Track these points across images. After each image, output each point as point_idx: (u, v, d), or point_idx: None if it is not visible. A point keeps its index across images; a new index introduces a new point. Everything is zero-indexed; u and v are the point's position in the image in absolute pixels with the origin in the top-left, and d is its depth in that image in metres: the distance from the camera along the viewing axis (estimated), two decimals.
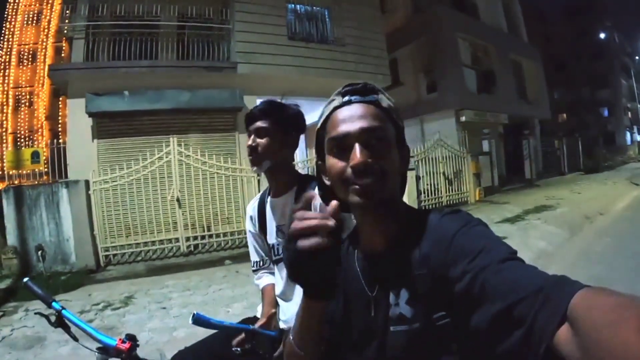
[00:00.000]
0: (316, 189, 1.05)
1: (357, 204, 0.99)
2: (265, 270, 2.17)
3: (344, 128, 0.99)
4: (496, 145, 20.76)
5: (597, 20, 51.33)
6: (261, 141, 1.87)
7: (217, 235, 9.62)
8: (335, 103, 1.05)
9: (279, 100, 1.99)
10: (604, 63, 51.31)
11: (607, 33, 51.95)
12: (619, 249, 7.25)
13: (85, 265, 8.25)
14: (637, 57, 61.40)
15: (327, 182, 1.08)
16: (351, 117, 1.00)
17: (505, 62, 22.53)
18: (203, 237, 9.55)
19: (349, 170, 0.97)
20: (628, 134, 56.02)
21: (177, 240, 9.28)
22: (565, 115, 52.27)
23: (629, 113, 58.16)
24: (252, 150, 1.88)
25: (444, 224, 0.97)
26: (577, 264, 6.55)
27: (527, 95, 24.79)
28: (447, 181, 13.97)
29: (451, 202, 13.94)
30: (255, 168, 1.93)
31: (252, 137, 1.89)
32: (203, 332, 4.62)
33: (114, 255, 8.84)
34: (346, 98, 1.04)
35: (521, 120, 23.10)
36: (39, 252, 7.88)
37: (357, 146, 0.96)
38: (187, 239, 9.35)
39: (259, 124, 1.88)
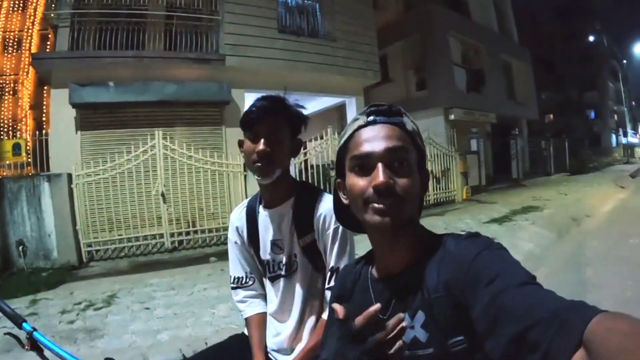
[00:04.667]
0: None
1: (375, 223, 0.98)
2: (247, 291, 1.93)
3: (368, 147, 1.00)
4: (484, 144, 20.83)
5: (587, 24, 52.05)
6: (274, 146, 1.63)
7: (203, 231, 9.52)
8: (360, 122, 1.05)
9: (282, 96, 1.72)
10: (592, 66, 52.03)
11: (596, 36, 52.71)
12: (606, 253, 7.26)
13: (68, 261, 8.07)
14: (625, 61, 62.30)
15: (345, 201, 1.09)
16: (375, 137, 1.01)
17: (495, 62, 22.68)
18: (188, 233, 9.43)
19: (370, 189, 0.97)
20: (614, 137, 56.94)
21: (161, 235, 9.14)
22: (552, 116, 52.78)
23: (615, 116, 59.20)
24: (265, 156, 1.62)
25: (462, 247, 0.95)
26: (565, 268, 6.56)
27: (515, 96, 25.01)
28: (435, 180, 13.94)
29: (438, 200, 13.95)
30: (262, 179, 1.67)
31: (263, 140, 1.62)
32: (187, 336, 4.51)
33: (97, 250, 8.67)
34: (371, 118, 1.04)
35: (509, 120, 23.26)
36: (20, 248, 7.69)
37: (380, 166, 0.97)
38: (172, 234, 9.21)
39: (270, 124, 1.64)
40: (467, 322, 0.85)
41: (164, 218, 9.13)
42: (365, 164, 1.00)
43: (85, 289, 6.54)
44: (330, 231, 1.67)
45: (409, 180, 0.98)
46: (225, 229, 9.27)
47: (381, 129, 1.01)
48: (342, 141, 1.08)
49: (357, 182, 1.00)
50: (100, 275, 7.61)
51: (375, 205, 0.97)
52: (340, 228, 1.67)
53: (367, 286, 1.10)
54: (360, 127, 1.04)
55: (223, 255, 8.17)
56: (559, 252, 7.67)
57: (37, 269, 7.70)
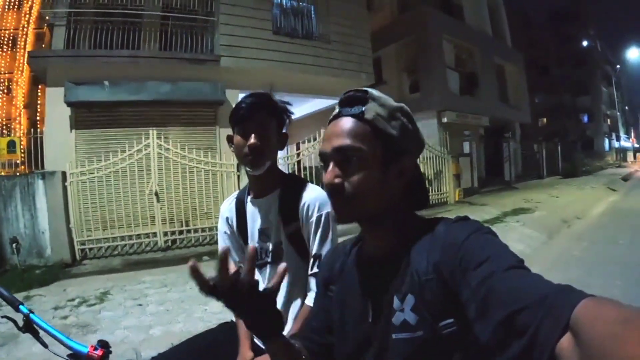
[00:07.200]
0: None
1: (335, 218, 1.05)
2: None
3: (323, 146, 1.03)
4: (477, 147, 20.94)
5: (581, 28, 52.30)
6: (264, 140, 1.73)
7: (196, 231, 9.53)
8: (334, 114, 1.06)
9: (268, 93, 1.83)
10: (585, 70, 52.35)
11: (590, 41, 52.96)
12: (596, 253, 7.35)
13: (61, 259, 8.07)
14: (618, 66, 62.56)
15: None
16: (332, 134, 1.02)
17: (489, 65, 22.77)
18: (181, 232, 9.44)
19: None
20: (606, 141, 57.13)
21: (154, 234, 9.15)
22: (545, 119, 53.01)
23: (608, 120, 59.51)
24: (256, 150, 1.72)
25: (453, 231, 0.95)
26: (554, 268, 6.61)
27: (508, 99, 25.09)
28: (427, 181, 13.95)
29: (431, 202, 13.92)
30: (254, 170, 1.77)
31: (253, 135, 1.72)
32: (179, 331, 4.55)
33: (90, 249, 8.66)
34: (338, 110, 1.05)
35: (502, 123, 23.35)
36: (14, 245, 7.70)
37: (330, 165, 1.01)
38: (165, 233, 9.22)
39: (259, 120, 1.75)
40: (456, 305, 0.86)
41: (157, 217, 9.14)
42: (324, 161, 1.03)
43: (78, 286, 6.57)
44: (314, 219, 1.76)
45: (358, 177, 0.98)
46: None
47: (339, 124, 1.02)
48: None
49: (323, 177, 1.03)
50: (94, 273, 7.63)
51: (332, 201, 1.03)
52: (323, 216, 1.76)
53: (355, 268, 1.11)
54: (330, 120, 1.06)
55: (216, 255, 8.18)
56: (548, 253, 7.75)
57: (31, 266, 7.72)
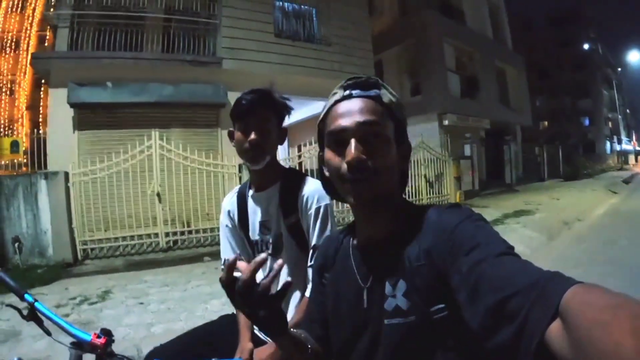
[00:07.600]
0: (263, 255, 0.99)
1: (350, 203, 1.02)
2: (236, 272, 2.02)
3: (342, 122, 1.01)
4: (477, 149, 20.89)
5: (582, 31, 52.18)
6: (264, 136, 1.78)
7: (197, 231, 9.52)
8: (337, 97, 1.06)
9: (268, 89, 1.86)
10: (586, 73, 52.21)
11: (590, 44, 52.83)
12: (595, 254, 7.36)
13: (63, 258, 8.08)
14: (619, 69, 62.49)
15: (327, 173, 1.10)
16: (349, 112, 1.01)
17: (489, 68, 22.77)
18: (183, 233, 9.44)
19: (344, 166, 0.99)
20: (608, 144, 57.01)
21: (156, 235, 9.15)
22: (546, 122, 52.93)
23: (610, 123, 59.29)
24: (256, 145, 1.77)
25: (444, 217, 0.97)
26: (554, 268, 6.38)
27: (509, 102, 25.02)
28: (428, 184, 13.99)
29: (432, 204, 13.90)
30: (254, 165, 1.83)
31: (253, 131, 1.77)
32: (180, 329, 4.58)
33: (92, 249, 8.67)
34: (347, 92, 1.05)
35: (503, 126, 23.31)
36: (16, 244, 7.72)
37: (352, 141, 0.98)
38: (167, 234, 9.22)
39: (260, 116, 1.79)
40: (448, 291, 0.87)
41: (159, 218, 9.15)
42: (339, 139, 1.01)
43: (80, 285, 6.60)
44: (312, 211, 1.80)
45: (383, 154, 0.99)
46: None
47: (356, 103, 1.02)
48: (322, 115, 1.09)
49: (333, 158, 1.02)
50: (95, 272, 7.65)
51: (349, 185, 0.99)
52: (322, 208, 1.81)
53: (348, 255, 1.12)
54: (337, 101, 1.05)
55: (217, 255, 8.19)
56: (548, 254, 7.77)
57: (32, 265, 7.73)
